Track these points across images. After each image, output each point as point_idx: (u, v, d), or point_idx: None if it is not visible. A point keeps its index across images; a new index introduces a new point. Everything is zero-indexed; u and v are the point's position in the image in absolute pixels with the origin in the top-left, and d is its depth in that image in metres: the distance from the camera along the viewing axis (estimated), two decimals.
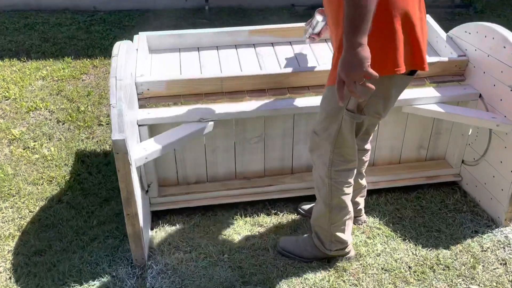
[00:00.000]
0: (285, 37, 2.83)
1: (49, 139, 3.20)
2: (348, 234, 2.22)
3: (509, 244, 2.38)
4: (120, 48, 2.23)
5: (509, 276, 2.22)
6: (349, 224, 2.21)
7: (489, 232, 2.46)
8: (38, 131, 3.27)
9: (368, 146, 2.26)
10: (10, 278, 2.23)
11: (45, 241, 2.42)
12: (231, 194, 2.59)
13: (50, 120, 3.38)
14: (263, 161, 2.62)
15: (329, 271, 2.23)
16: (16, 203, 2.68)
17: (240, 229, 2.48)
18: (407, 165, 2.76)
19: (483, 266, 2.27)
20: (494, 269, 2.26)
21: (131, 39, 2.65)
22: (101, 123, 3.36)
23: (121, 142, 1.90)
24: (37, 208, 2.64)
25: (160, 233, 2.45)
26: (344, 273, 2.22)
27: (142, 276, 2.22)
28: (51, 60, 4.18)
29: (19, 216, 2.59)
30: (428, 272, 2.24)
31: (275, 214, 2.58)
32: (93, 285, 2.18)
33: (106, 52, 4.30)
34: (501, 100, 2.36)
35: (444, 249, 2.36)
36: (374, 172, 2.68)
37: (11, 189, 2.77)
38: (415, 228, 2.48)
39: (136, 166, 2.12)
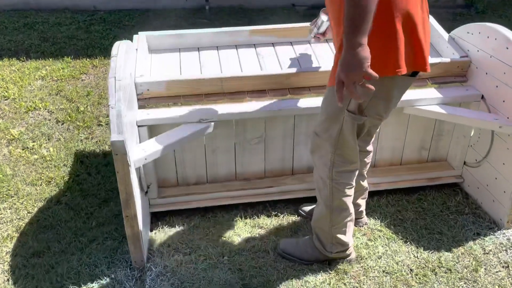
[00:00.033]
0: (286, 37, 2.81)
1: (48, 139, 3.18)
2: (349, 236, 2.20)
3: None
4: (120, 48, 2.21)
5: None
6: (350, 226, 2.19)
7: (491, 234, 2.44)
8: (37, 131, 3.25)
9: (370, 147, 2.24)
10: (8, 280, 2.21)
11: (43, 242, 2.41)
12: (231, 195, 2.57)
13: (49, 120, 3.37)
14: (263, 162, 2.60)
15: (329, 273, 2.21)
16: (15, 204, 2.66)
17: (240, 231, 2.46)
18: (408, 166, 2.75)
19: (485, 269, 2.25)
20: (497, 272, 2.24)
21: (131, 39, 2.63)
22: (101, 123, 3.35)
23: (120, 143, 1.88)
24: (36, 209, 2.62)
25: (159, 235, 2.43)
26: (345, 276, 2.20)
27: (141, 279, 2.20)
28: (50, 59, 4.16)
29: (18, 217, 2.57)
30: (429, 275, 2.22)
31: (276, 215, 2.56)
32: None
33: (106, 52, 4.28)
34: (503, 101, 2.34)
35: (446, 251, 2.34)
36: (375, 173, 2.66)
37: (9, 190, 2.75)
38: (416, 230, 2.46)
39: (136, 167, 2.10)
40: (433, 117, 2.47)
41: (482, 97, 2.46)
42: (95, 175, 2.88)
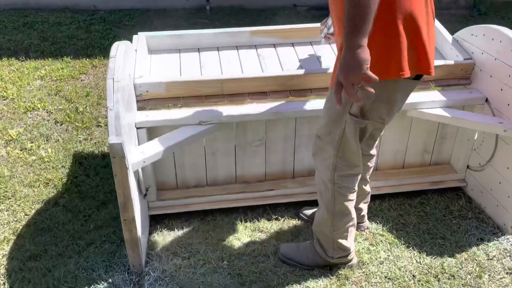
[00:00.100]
0: (287, 38, 2.78)
1: (47, 140, 3.15)
2: (350, 241, 2.17)
3: None
4: (118, 48, 2.18)
5: None
6: (352, 231, 2.16)
7: (495, 240, 2.40)
8: (36, 132, 3.21)
9: (373, 151, 2.20)
10: (3, 284, 2.18)
11: (40, 245, 2.37)
12: (231, 199, 2.53)
13: (48, 120, 3.33)
14: (264, 165, 2.57)
15: (331, 279, 2.18)
16: (12, 205, 2.62)
17: (240, 235, 2.43)
18: (411, 170, 2.71)
19: (489, 275, 2.21)
20: (501, 278, 2.20)
21: (131, 39, 2.61)
22: (100, 124, 3.31)
23: (118, 146, 1.85)
24: (33, 211, 2.59)
25: (158, 238, 2.40)
26: (346, 282, 2.17)
27: (139, 283, 2.17)
28: (50, 59, 4.13)
29: (15, 219, 2.54)
30: (432, 281, 2.18)
31: (276, 219, 2.53)
32: None
33: (105, 52, 4.25)
34: (508, 105, 2.31)
35: (449, 257, 2.30)
36: (377, 177, 2.62)
37: (6, 191, 2.72)
38: (419, 235, 2.43)
39: (134, 170, 2.07)
40: (436, 120, 2.43)
41: (486, 100, 2.42)
42: (93, 176, 2.84)
